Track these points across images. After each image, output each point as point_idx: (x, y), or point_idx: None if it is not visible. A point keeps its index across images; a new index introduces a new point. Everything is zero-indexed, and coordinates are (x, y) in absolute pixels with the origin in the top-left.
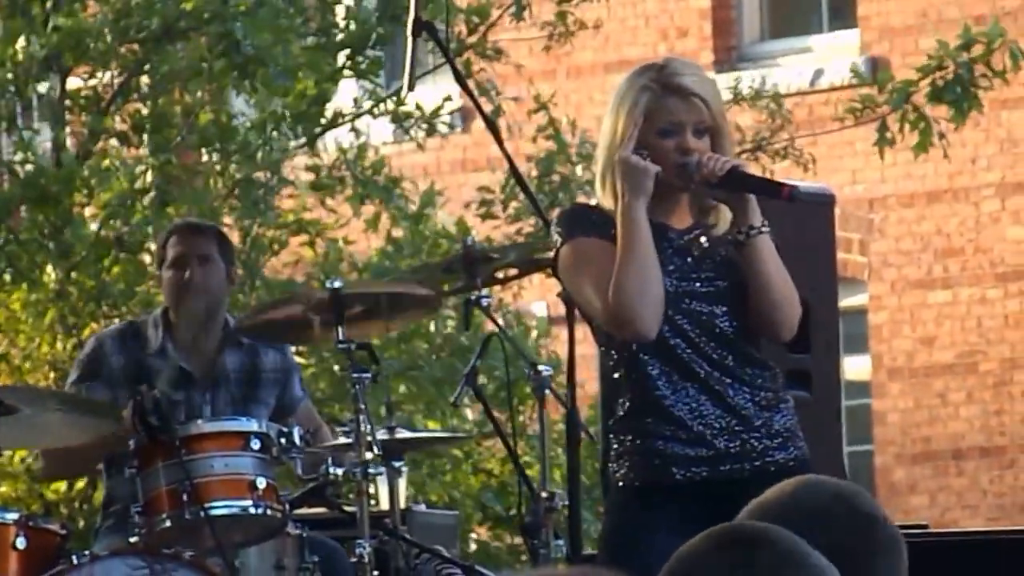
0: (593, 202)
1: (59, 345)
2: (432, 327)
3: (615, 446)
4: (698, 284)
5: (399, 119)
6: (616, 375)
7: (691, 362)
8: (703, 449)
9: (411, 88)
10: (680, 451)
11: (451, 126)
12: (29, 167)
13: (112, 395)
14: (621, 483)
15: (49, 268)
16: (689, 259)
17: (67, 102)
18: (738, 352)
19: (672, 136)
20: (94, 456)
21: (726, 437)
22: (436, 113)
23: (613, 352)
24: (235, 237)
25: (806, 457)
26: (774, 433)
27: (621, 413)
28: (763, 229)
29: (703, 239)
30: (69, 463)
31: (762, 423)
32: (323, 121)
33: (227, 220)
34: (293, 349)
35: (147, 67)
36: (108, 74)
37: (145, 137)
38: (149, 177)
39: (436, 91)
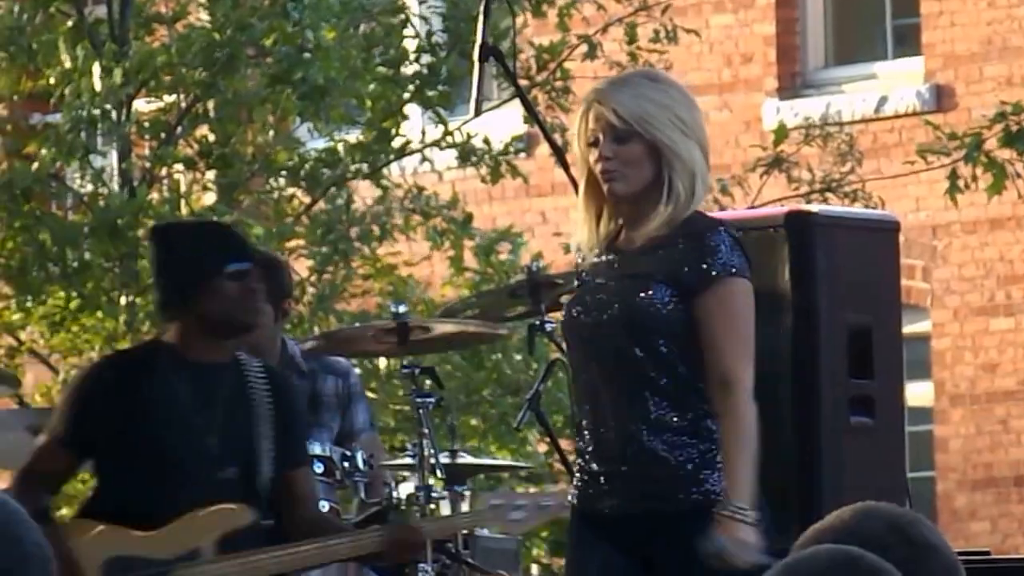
0: None
1: None
2: (497, 356)
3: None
4: (610, 312)
5: (466, 155)
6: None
7: (603, 395)
8: (599, 481)
9: (478, 113)
10: (596, 486)
11: (516, 151)
12: (101, 203)
13: None
14: (573, 503)
15: (122, 299)
16: (604, 286)
17: (132, 127)
18: (650, 385)
19: (596, 145)
20: None
21: (632, 472)
22: (505, 152)
23: None
24: (302, 267)
25: (713, 497)
26: (684, 471)
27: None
28: (747, 520)
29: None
30: None
31: (672, 460)
32: (391, 151)
33: (295, 243)
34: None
35: (213, 92)
36: (175, 97)
37: (211, 162)
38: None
39: (502, 125)
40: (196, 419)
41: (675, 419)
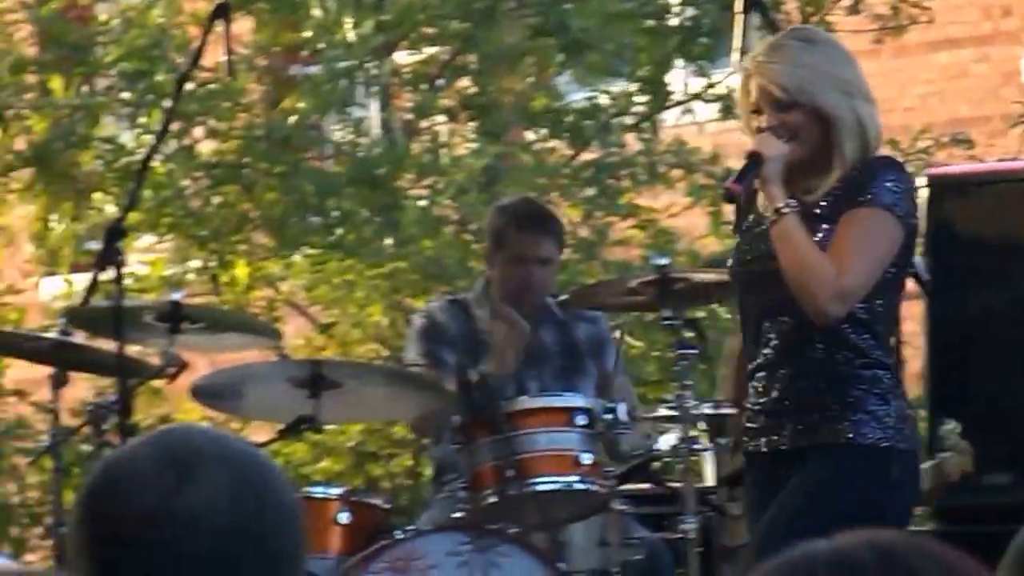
0: None
1: (385, 318)
2: None
3: None
4: (771, 261)
5: (729, 108)
6: None
7: (760, 337)
8: (760, 419)
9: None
10: (754, 426)
11: None
12: (361, 154)
13: (457, 360)
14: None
15: (384, 242)
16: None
17: (393, 78)
18: (802, 330)
19: (759, 114)
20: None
21: (782, 413)
22: None
23: None
24: (563, 213)
25: (860, 441)
26: (832, 413)
27: None
28: (782, 211)
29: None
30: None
31: (821, 402)
32: (657, 104)
33: (556, 198)
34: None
35: (472, 46)
36: (436, 49)
37: (471, 118)
38: (480, 160)
39: None
40: None
41: (824, 363)
